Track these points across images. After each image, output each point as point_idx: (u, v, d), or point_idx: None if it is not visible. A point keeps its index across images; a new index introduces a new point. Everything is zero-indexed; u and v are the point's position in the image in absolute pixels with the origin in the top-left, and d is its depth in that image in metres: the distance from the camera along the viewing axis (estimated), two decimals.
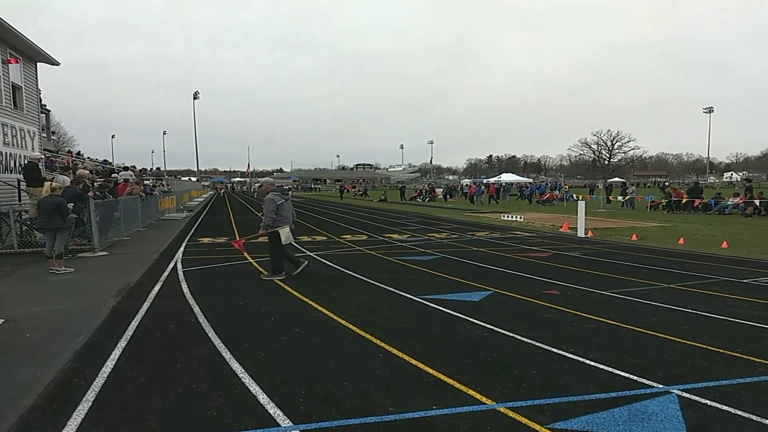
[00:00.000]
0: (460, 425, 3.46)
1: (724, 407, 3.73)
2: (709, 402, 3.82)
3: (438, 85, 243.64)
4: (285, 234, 8.62)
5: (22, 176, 14.07)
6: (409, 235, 16.31)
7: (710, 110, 74.91)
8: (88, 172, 17.00)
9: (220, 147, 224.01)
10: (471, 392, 4.00)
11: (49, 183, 9.86)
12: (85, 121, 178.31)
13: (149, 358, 4.81)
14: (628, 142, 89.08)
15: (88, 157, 34.06)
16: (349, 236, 15.82)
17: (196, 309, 6.63)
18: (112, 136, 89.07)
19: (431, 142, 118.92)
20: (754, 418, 3.57)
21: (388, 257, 11.35)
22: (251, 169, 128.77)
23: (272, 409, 3.70)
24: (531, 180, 74.02)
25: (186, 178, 77.21)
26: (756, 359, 4.75)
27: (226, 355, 4.87)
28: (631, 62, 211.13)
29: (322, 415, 3.61)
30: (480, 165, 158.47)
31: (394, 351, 4.98)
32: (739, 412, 3.65)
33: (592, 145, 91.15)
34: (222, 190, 72.27)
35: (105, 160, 37.43)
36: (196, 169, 75.98)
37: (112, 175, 20.40)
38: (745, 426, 3.46)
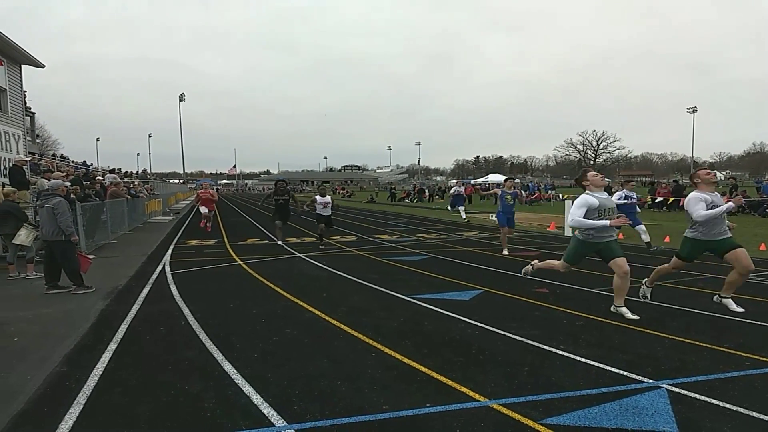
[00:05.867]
0: (453, 422, 3.48)
1: (713, 401, 3.79)
2: (698, 396, 3.87)
3: (425, 85, 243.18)
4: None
5: (7, 179, 13.90)
6: (398, 235, 16.34)
7: (694, 110, 75.78)
8: (62, 174, 16.78)
9: (205, 149, 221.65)
10: (464, 389, 4.03)
11: (0, 189, 9.76)
12: (68, 124, 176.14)
13: (140, 360, 4.78)
14: (613, 142, 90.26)
15: (73, 161, 33.70)
16: (338, 237, 15.81)
17: (186, 311, 6.60)
18: (97, 139, 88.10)
19: (418, 144, 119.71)
20: (742, 410, 3.62)
21: (378, 258, 11.36)
22: (237, 171, 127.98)
23: (266, 409, 3.69)
24: (518, 180, 74.57)
25: (175, 181, 75.96)
26: (743, 354, 4.82)
27: (218, 356, 4.85)
28: (615, 62, 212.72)
29: (316, 414, 3.61)
30: (467, 166, 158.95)
31: (387, 350, 4.99)
32: (728, 405, 3.70)
33: (578, 146, 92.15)
34: (206, 208, 18.92)
35: (84, 162, 36.70)
36: (181, 172, 75.43)
37: (97, 178, 20.21)
38: (733, 418, 3.52)
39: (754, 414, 3.57)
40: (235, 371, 4.44)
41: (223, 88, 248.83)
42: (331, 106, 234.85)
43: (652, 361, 4.66)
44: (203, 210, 18.84)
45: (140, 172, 50.22)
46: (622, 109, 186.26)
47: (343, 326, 5.85)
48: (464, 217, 22.14)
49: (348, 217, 25.28)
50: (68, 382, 4.23)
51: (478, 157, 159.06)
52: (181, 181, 74.55)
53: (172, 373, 4.43)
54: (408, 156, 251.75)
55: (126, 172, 38.88)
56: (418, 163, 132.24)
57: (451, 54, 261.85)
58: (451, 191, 25.66)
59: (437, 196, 50.79)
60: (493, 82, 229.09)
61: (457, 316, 6.23)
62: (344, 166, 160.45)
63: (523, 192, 43.29)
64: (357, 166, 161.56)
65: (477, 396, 3.91)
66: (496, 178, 70.22)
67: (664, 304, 6.81)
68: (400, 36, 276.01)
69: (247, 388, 4.07)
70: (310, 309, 6.67)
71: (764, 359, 4.66)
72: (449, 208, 24.44)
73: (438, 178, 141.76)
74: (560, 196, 39.17)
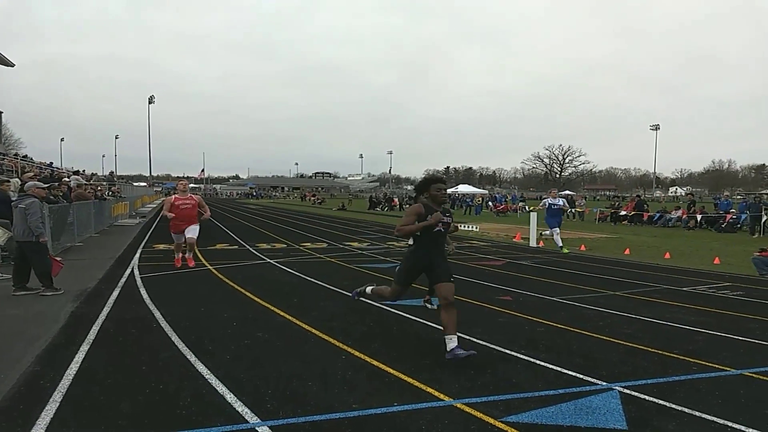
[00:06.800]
0: (420, 420, 3.68)
1: (661, 402, 4.08)
2: (647, 397, 4.16)
3: (398, 95, 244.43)
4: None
5: None
6: (368, 243, 16.52)
7: (656, 127, 78.27)
8: (31, 175, 16.44)
9: (173, 152, 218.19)
10: (430, 390, 4.23)
11: None
12: (32, 123, 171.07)
13: (114, 360, 4.85)
14: (579, 156, 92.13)
15: (39, 161, 32.92)
16: (308, 244, 15.91)
17: (158, 314, 6.64)
18: (61, 139, 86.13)
19: (390, 152, 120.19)
20: (686, 410, 3.92)
21: (348, 264, 11.52)
22: (206, 175, 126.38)
23: (240, 407, 3.83)
24: (487, 191, 75.69)
25: (141, 184, 74.48)
26: (691, 359, 5.16)
27: (191, 357, 4.95)
28: (585, 78, 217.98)
29: (288, 412, 3.76)
30: (437, 176, 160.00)
31: (356, 353, 5.17)
32: (674, 406, 3.99)
33: (545, 159, 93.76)
34: (181, 233, 10.91)
35: (51, 163, 35.98)
36: (148, 174, 74.22)
37: (63, 179, 19.87)
38: (678, 417, 3.81)
39: (697, 413, 3.87)
40: (208, 372, 4.55)
41: (196, 91, 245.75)
42: (304, 112, 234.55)
43: (607, 365, 4.95)
44: (178, 236, 10.99)
45: (107, 174, 49.19)
46: (589, 123, 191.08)
47: (313, 330, 6.00)
48: (560, 245, 14.85)
49: (318, 224, 25.36)
50: (43, 381, 4.27)
51: (448, 167, 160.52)
52: (148, 184, 73.41)
53: (147, 372, 4.51)
54: (380, 164, 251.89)
55: (92, 173, 38.12)
56: (390, 172, 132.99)
57: (428, 65, 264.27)
58: (543, 202, 16.34)
59: (408, 205, 51.21)
60: (466, 93, 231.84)
61: (425, 321, 6.46)
62: (315, 173, 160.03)
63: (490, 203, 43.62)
64: (328, 173, 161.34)
65: (442, 396, 4.12)
66: (465, 188, 71.11)
67: (620, 312, 7.15)
68: (377, 45, 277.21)
69: (221, 388, 4.19)
70: (281, 313, 6.80)
71: (709, 364, 5.00)
72: (544, 233, 16.38)
73: (408, 187, 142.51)
74: (526, 207, 39.91)
